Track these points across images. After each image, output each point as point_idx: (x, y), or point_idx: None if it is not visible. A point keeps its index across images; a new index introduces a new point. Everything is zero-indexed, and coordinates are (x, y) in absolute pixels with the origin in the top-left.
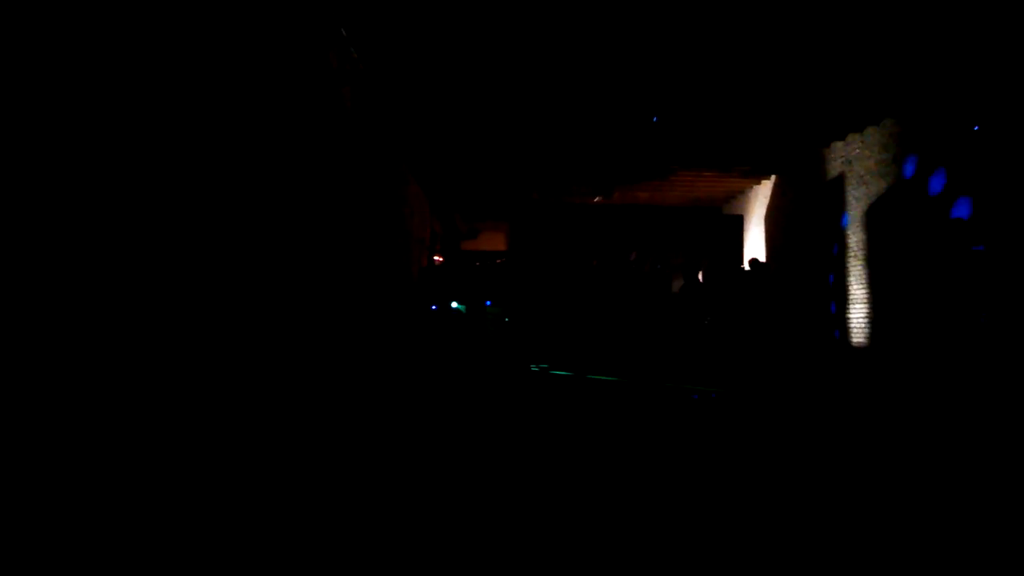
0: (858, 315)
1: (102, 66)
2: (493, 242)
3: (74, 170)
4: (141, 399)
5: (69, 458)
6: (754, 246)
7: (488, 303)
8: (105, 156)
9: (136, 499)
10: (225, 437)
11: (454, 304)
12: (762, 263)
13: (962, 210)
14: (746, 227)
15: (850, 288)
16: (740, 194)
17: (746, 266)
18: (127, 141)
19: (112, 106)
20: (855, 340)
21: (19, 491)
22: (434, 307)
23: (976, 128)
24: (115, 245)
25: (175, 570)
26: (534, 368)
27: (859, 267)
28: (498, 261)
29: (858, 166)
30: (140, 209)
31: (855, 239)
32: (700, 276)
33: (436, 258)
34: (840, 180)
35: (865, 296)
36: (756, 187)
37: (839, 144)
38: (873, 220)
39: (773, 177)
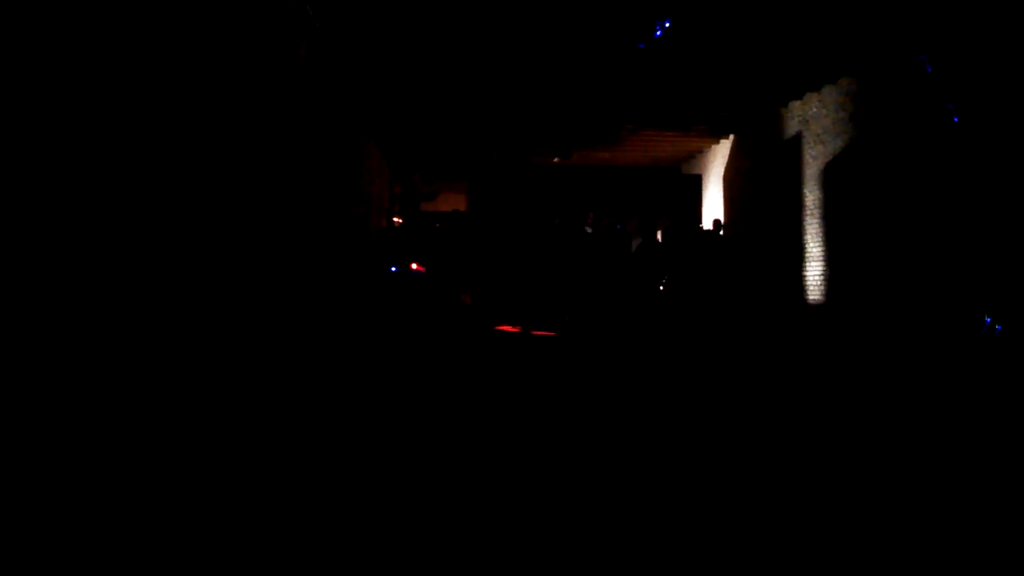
0: (814, 272)
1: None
2: (453, 203)
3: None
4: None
5: (64, 456)
6: (712, 205)
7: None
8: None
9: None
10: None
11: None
12: (720, 223)
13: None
14: (704, 186)
15: (807, 246)
16: (699, 154)
17: (706, 226)
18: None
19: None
20: (811, 297)
21: (18, 490)
22: (393, 268)
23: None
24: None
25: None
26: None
27: (815, 225)
28: (458, 223)
29: (815, 125)
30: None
31: (812, 198)
32: (658, 236)
33: (395, 219)
34: (797, 139)
35: (821, 254)
36: (714, 147)
37: (796, 103)
38: (829, 179)
39: (731, 136)
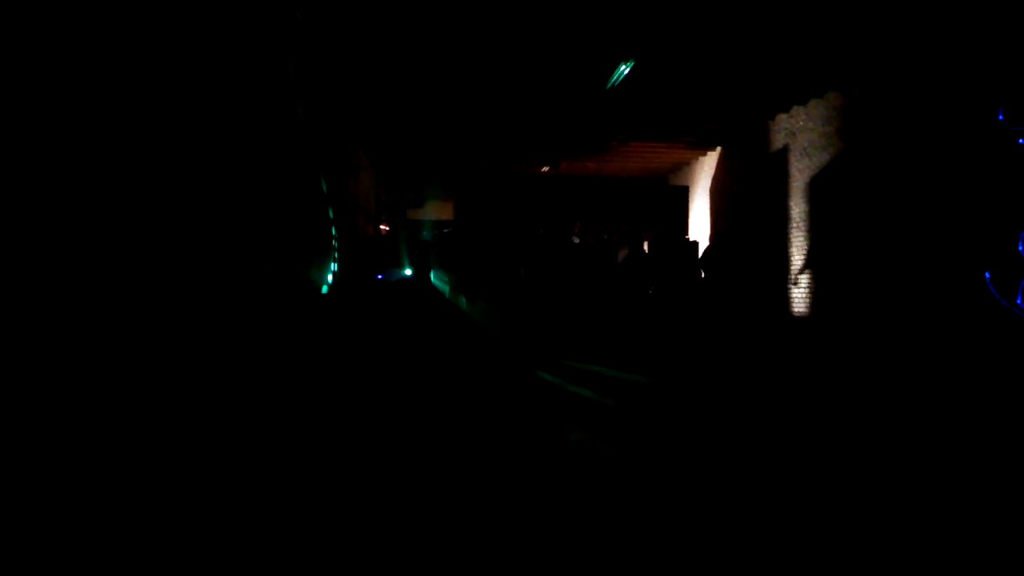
0: (799, 285)
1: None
2: (440, 211)
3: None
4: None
5: (68, 457)
6: (699, 217)
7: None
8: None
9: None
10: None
11: (407, 272)
12: (726, 235)
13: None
14: (691, 198)
15: (792, 259)
16: (686, 165)
17: (693, 236)
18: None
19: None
20: (796, 310)
21: (20, 490)
22: (380, 276)
23: None
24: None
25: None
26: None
27: (801, 238)
28: (445, 231)
29: (802, 138)
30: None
31: (797, 210)
32: (645, 246)
33: (382, 227)
34: (784, 152)
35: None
36: (702, 158)
37: (783, 116)
38: (815, 192)
39: (719, 148)
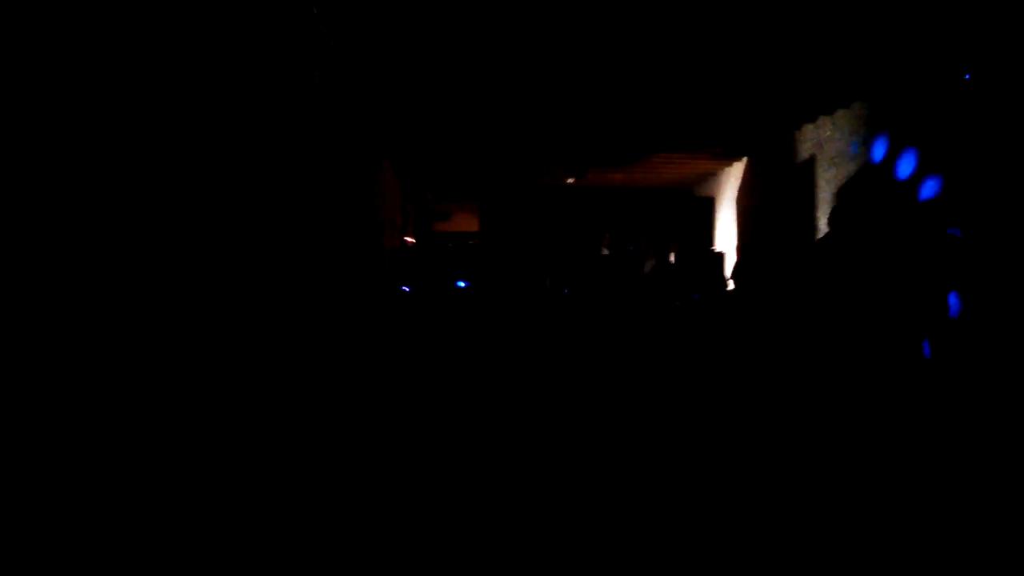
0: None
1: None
2: (466, 223)
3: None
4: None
5: (67, 458)
6: (725, 228)
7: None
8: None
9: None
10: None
11: (432, 283)
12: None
13: (930, 191)
14: (717, 209)
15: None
16: (711, 176)
17: (717, 247)
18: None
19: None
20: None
21: (17, 491)
22: (406, 288)
23: (968, 76)
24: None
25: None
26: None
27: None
28: (471, 242)
29: (828, 148)
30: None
31: (825, 220)
32: (672, 257)
33: (408, 239)
34: (811, 162)
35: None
36: (727, 169)
37: (809, 126)
38: (843, 202)
39: (744, 159)
